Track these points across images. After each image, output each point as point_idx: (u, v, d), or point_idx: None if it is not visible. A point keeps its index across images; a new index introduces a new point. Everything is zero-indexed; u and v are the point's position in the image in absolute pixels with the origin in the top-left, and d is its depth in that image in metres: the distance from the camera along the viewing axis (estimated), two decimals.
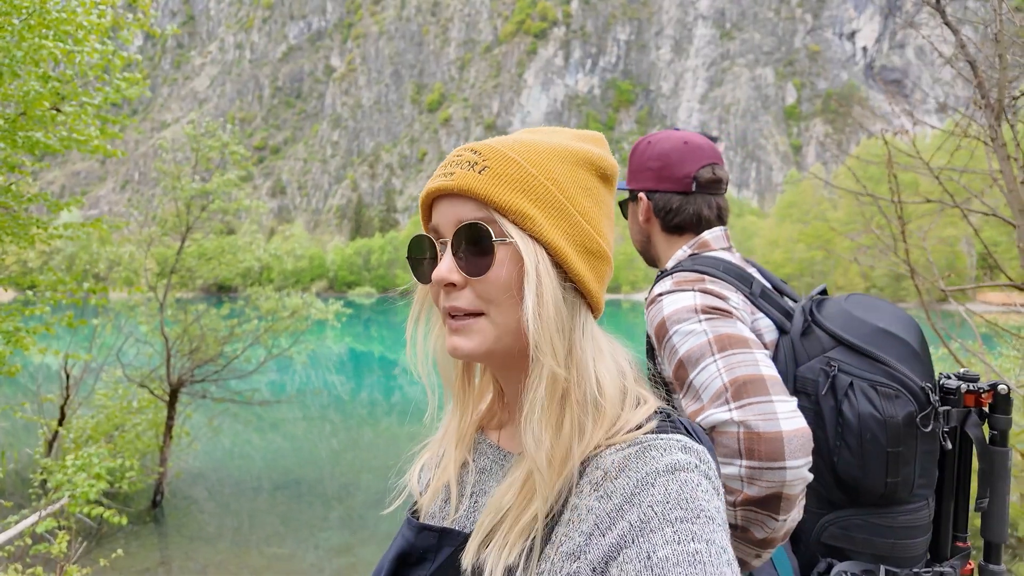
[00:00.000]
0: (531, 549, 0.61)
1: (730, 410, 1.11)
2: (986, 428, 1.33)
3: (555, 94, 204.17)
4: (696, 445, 0.63)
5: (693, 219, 1.48)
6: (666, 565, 0.52)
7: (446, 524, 0.74)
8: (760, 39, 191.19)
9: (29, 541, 4.15)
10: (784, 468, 1.06)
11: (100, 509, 4.89)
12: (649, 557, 0.53)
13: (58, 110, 4.81)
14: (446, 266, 0.67)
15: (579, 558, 0.58)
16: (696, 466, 0.60)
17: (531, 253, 0.65)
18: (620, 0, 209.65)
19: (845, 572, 1.21)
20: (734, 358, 1.16)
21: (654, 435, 0.64)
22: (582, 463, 0.65)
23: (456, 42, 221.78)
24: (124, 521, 5.10)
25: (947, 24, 3.31)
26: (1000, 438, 1.31)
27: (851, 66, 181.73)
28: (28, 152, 4.72)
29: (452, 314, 0.69)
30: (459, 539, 0.70)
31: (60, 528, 4.25)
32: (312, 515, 8.69)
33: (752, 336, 1.23)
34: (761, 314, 1.34)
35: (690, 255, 1.46)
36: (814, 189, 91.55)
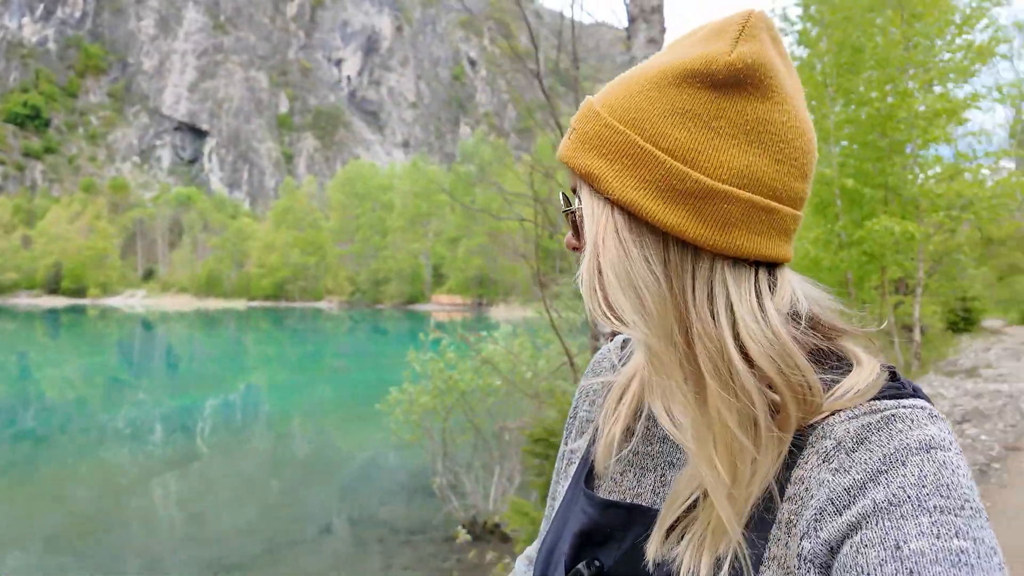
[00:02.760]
0: (735, 553, 0.54)
1: None
2: None
3: None
4: (941, 416, 0.54)
5: None
6: (921, 560, 0.44)
7: (631, 499, 0.66)
8: (255, 41, 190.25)
9: None
10: None
11: None
12: (898, 547, 0.45)
13: None
14: (568, 234, 0.67)
15: (810, 536, 0.50)
16: (951, 443, 0.51)
17: (595, 214, 0.59)
18: None
19: None
20: None
21: (894, 401, 0.54)
22: (803, 431, 0.55)
23: None
24: None
25: (544, 93, 4.14)
26: None
27: (338, 90, 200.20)
28: None
29: None
30: (649, 517, 0.62)
31: None
32: None
33: None
34: None
35: None
36: (308, 197, 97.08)
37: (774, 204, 0.57)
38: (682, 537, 0.57)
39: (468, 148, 79.50)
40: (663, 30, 4.14)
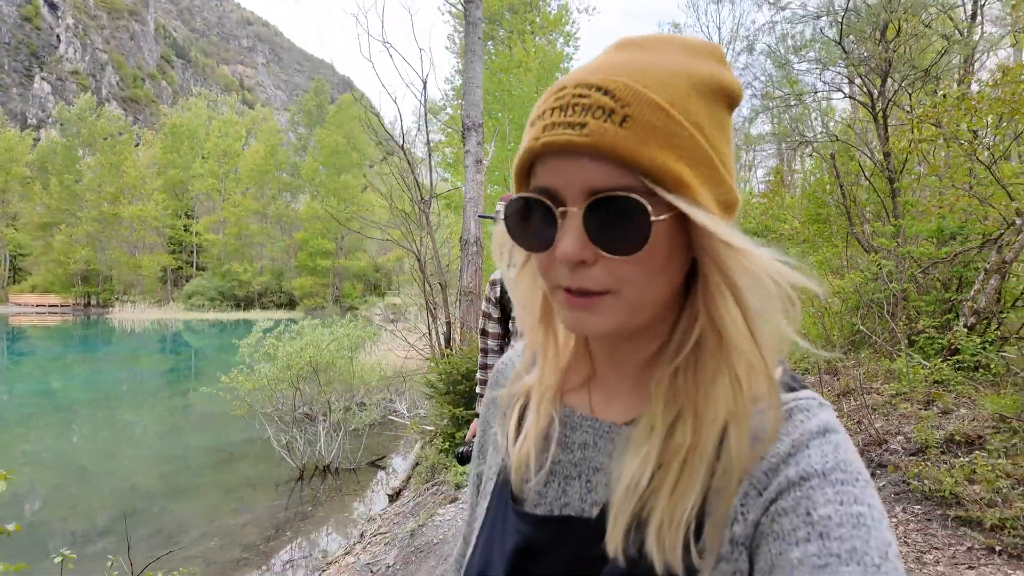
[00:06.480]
0: (698, 530, 0.55)
1: None
2: None
3: None
4: (827, 402, 0.59)
5: None
6: (828, 524, 0.49)
7: (560, 511, 0.64)
8: None
9: None
10: None
11: None
12: (808, 514, 0.51)
13: None
14: (575, 243, 0.52)
15: (739, 521, 0.54)
16: (839, 426, 0.56)
17: (705, 223, 0.51)
18: None
19: None
20: None
21: (792, 395, 0.58)
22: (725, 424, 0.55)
23: None
24: None
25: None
26: None
27: None
28: None
29: (576, 292, 0.55)
30: (586, 528, 0.61)
31: None
32: None
33: None
34: None
35: None
36: None
37: None
38: (639, 525, 0.55)
39: (69, 115, 65.31)
40: (483, 135, 7.07)
